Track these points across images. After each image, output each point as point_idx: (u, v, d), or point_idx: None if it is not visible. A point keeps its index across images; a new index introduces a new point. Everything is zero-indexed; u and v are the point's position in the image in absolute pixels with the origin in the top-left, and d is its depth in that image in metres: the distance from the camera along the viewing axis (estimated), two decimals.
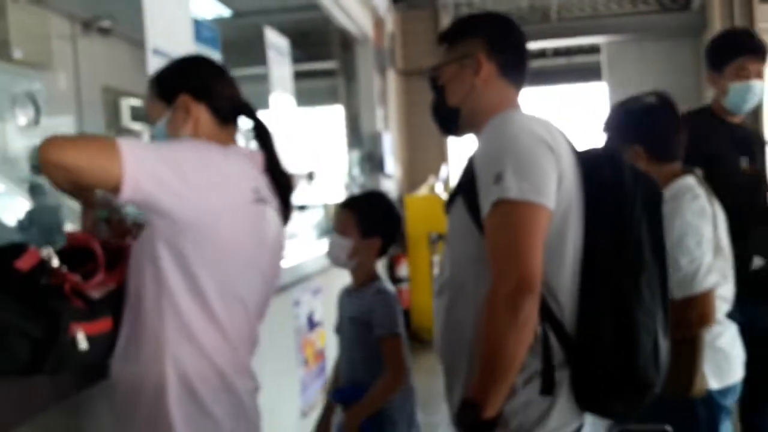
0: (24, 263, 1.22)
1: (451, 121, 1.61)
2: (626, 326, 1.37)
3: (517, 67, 1.58)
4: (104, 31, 5.13)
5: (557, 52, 8.06)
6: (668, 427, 1.43)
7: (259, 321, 1.55)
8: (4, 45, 4.05)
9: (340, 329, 2.29)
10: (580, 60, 8.10)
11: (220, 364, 1.39)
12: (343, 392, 2.21)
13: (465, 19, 1.69)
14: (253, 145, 1.60)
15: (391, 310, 2.13)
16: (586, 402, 1.41)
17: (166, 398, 1.33)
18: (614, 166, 1.47)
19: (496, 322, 1.28)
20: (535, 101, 8.23)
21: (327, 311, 3.58)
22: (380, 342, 2.10)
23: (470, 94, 1.54)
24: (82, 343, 1.27)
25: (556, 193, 1.36)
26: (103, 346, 1.34)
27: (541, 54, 7.96)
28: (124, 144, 1.24)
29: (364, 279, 2.23)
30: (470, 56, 1.54)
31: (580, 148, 1.52)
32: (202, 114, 1.47)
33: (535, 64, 7.92)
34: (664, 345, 1.42)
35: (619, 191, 1.43)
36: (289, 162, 1.61)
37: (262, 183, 1.49)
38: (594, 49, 7.75)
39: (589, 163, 1.47)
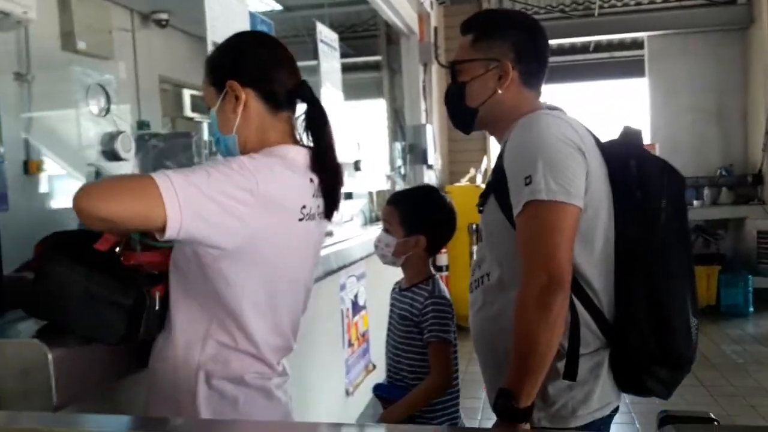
0: (102, 245, 1.29)
1: (466, 120, 1.63)
2: (660, 308, 1.44)
3: (538, 75, 1.60)
4: (161, 24, 5.33)
5: (599, 47, 8.03)
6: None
7: (295, 324, 1.52)
8: (68, 36, 4.28)
9: (390, 324, 2.23)
10: (623, 55, 8.04)
11: (246, 368, 1.37)
12: (384, 388, 2.20)
13: (493, 16, 1.68)
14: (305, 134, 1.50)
15: (444, 317, 2.07)
16: (625, 383, 1.50)
17: (197, 390, 1.33)
18: (640, 160, 1.52)
19: (528, 318, 1.32)
20: (575, 97, 8.20)
21: (371, 295, 3.71)
22: (429, 346, 2.06)
23: (491, 98, 1.57)
24: (158, 305, 1.35)
25: (586, 190, 1.41)
26: (165, 308, 1.38)
27: (584, 48, 7.94)
28: (163, 184, 1.15)
29: (417, 278, 2.17)
30: (497, 61, 1.55)
31: (606, 143, 1.57)
32: (251, 100, 1.40)
33: (577, 58, 7.93)
34: (694, 322, 1.50)
35: (645, 183, 1.49)
36: (341, 152, 1.53)
37: (309, 192, 1.42)
38: (636, 44, 7.70)
39: (615, 157, 1.52)
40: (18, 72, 3.74)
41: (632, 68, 7.74)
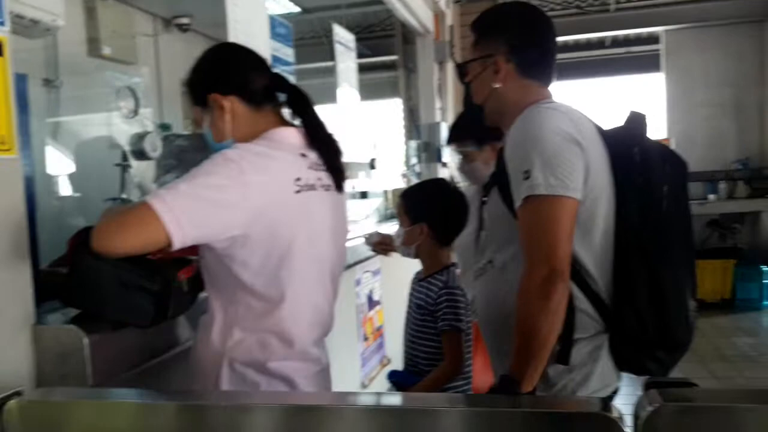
0: None
1: (478, 117, 1.70)
2: (658, 291, 1.48)
3: (541, 65, 1.62)
4: (183, 28, 5.45)
5: (615, 42, 8.02)
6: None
7: (327, 301, 1.59)
8: (94, 42, 4.43)
9: (408, 313, 2.34)
10: (639, 49, 8.03)
11: (269, 355, 1.44)
12: (399, 375, 2.30)
13: (490, 14, 1.71)
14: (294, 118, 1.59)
15: (457, 306, 2.17)
16: (623, 363, 1.55)
17: (221, 373, 1.43)
18: (642, 148, 1.54)
19: (529, 308, 1.38)
20: (592, 93, 8.21)
21: (386, 291, 3.80)
22: (442, 334, 2.17)
23: (491, 93, 1.62)
24: (185, 287, 1.49)
25: (584, 183, 1.45)
26: (196, 289, 1.53)
27: (600, 44, 7.95)
28: (159, 206, 1.25)
29: (433, 268, 2.27)
30: (490, 57, 1.61)
31: (609, 131, 1.59)
32: (235, 105, 1.49)
33: (593, 54, 7.95)
34: (692, 305, 1.54)
35: (647, 170, 1.52)
36: (332, 129, 1.60)
37: (303, 165, 1.48)
38: (652, 39, 7.69)
39: (618, 144, 1.55)
40: (47, 78, 3.90)
41: (649, 63, 7.72)
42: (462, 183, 2.80)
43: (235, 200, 1.33)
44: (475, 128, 2.67)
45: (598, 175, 1.50)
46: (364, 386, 3.41)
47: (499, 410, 0.96)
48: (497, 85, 1.60)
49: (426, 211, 2.25)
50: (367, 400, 1.26)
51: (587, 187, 1.46)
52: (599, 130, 1.59)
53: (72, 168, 3.55)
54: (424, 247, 2.27)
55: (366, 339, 3.55)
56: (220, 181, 1.32)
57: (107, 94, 3.40)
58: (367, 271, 3.58)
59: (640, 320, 1.48)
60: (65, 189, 3.45)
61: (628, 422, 0.84)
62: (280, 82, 1.56)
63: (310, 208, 1.48)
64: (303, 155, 1.50)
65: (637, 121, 1.59)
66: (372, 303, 3.67)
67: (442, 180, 2.57)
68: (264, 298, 1.42)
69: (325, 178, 1.55)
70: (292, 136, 1.51)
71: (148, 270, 1.42)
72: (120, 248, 1.27)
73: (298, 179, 1.45)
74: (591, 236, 1.50)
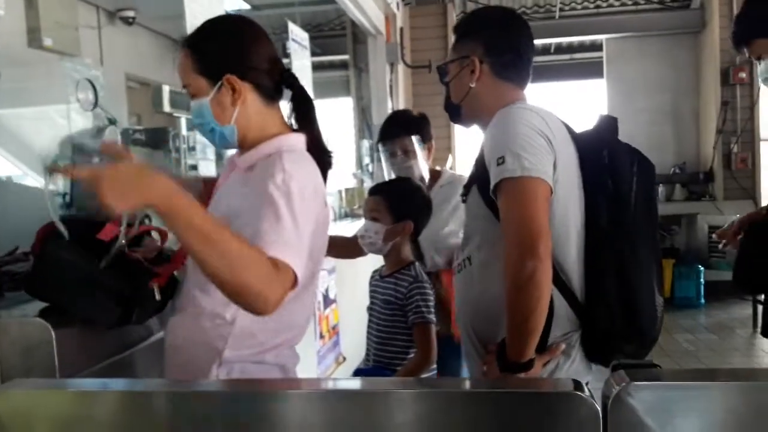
0: (105, 235, 1.33)
1: (455, 115, 1.75)
2: (628, 287, 1.54)
3: (516, 67, 1.67)
4: (128, 21, 5.32)
5: (559, 49, 8.23)
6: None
7: (315, 299, 1.63)
8: (34, 32, 4.26)
9: (371, 310, 2.36)
10: (582, 56, 8.27)
11: (267, 350, 1.44)
12: (368, 371, 2.31)
13: (470, 16, 1.80)
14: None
15: (427, 299, 2.22)
16: (594, 355, 1.59)
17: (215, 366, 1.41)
18: (612, 149, 1.60)
19: (517, 283, 1.43)
20: (537, 98, 8.39)
21: (340, 289, 3.80)
22: (414, 327, 2.20)
23: (468, 94, 1.67)
24: (157, 295, 1.43)
25: (555, 181, 1.50)
26: (166, 296, 1.47)
27: (545, 50, 8.14)
28: (294, 262, 1.22)
29: (399, 264, 2.30)
30: (467, 58, 1.66)
31: (581, 133, 1.65)
32: (248, 93, 1.42)
33: (538, 60, 8.12)
34: (659, 301, 1.62)
35: (616, 172, 1.58)
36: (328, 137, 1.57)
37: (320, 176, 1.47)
38: (595, 46, 7.93)
39: (588, 147, 1.61)
40: None
41: (591, 70, 7.98)
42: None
43: (315, 226, 1.35)
44: (415, 126, 2.77)
45: (569, 175, 1.56)
46: None
47: (475, 391, 1.01)
48: (472, 85, 1.65)
49: (411, 208, 2.30)
50: (349, 385, 1.24)
51: (558, 185, 1.51)
52: (570, 131, 1.65)
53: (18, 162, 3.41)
54: (396, 244, 2.29)
55: (322, 337, 3.53)
56: (304, 209, 1.29)
57: (61, 86, 3.27)
58: (323, 270, 3.56)
59: (611, 317, 1.54)
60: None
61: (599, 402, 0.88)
62: (292, 79, 1.49)
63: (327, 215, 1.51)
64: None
65: (606, 124, 1.66)
66: (327, 301, 3.66)
67: (410, 179, 2.56)
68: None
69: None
70: (302, 143, 1.47)
71: (122, 272, 1.37)
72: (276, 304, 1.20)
73: (325, 194, 1.47)
74: (567, 235, 1.55)
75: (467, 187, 1.70)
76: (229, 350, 1.40)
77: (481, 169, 1.59)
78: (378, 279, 2.37)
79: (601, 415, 0.85)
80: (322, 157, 1.48)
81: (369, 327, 2.37)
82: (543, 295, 1.44)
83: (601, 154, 1.59)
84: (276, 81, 1.46)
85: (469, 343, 1.69)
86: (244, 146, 1.46)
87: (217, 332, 1.40)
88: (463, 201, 1.73)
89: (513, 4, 7.41)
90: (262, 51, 1.44)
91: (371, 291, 2.40)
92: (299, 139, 1.47)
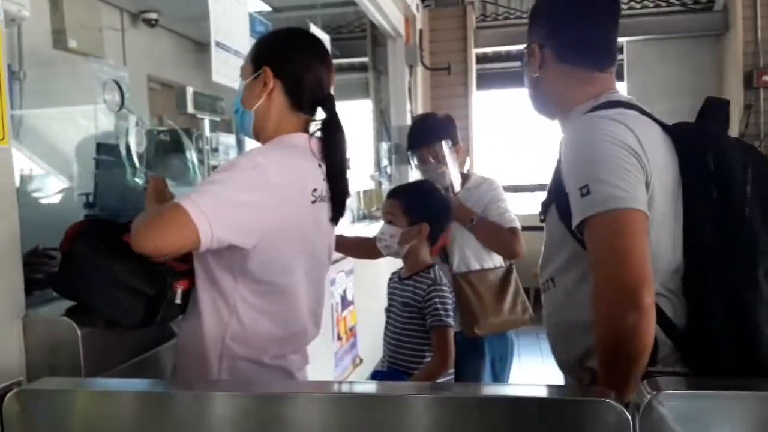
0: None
1: (533, 107, 1.60)
2: (744, 320, 1.28)
3: (581, 47, 1.47)
4: (151, 23, 5.37)
5: None
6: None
7: (320, 305, 1.62)
8: (59, 34, 4.31)
9: (389, 312, 2.36)
10: None
11: (265, 351, 1.47)
12: (385, 374, 2.31)
13: (537, 3, 1.62)
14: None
15: (446, 303, 2.21)
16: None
17: (219, 366, 1.43)
18: (718, 150, 1.33)
19: (618, 335, 1.22)
20: None
21: (358, 291, 3.80)
22: (432, 330, 2.19)
23: (537, 84, 1.54)
24: (179, 299, 1.46)
25: (649, 201, 1.29)
26: (186, 300, 1.49)
27: None
28: (192, 210, 1.26)
29: (418, 266, 2.29)
30: (529, 47, 1.53)
31: (678, 131, 1.40)
32: (277, 91, 1.50)
33: None
34: None
35: (723, 178, 1.32)
36: (352, 165, 1.63)
37: (320, 176, 1.51)
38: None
39: (689, 149, 1.36)
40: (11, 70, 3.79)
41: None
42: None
43: (260, 202, 1.36)
44: (445, 130, 2.75)
45: (663, 190, 1.32)
46: None
47: (513, 396, 1.00)
48: (535, 74, 1.52)
49: (427, 211, 2.30)
50: (366, 389, 1.24)
51: (651, 201, 1.30)
52: (665, 128, 1.41)
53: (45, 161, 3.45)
54: (414, 247, 2.29)
55: (339, 338, 3.54)
56: (246, 184, 1.34)
57: (88, 87, 3.32)
58: (341, 271, 3.58)
59: (723, 351, 1.29)
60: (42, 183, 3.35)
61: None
62: (329, 104, 1.55)
63: (320, 218, 1.53)
64: (320, 165, 1.52)
65: (714, 113, 1.40)
66: (345, 303, 3.67)
67: (429, 182, 2.58)
68: (265, 302, 1.44)
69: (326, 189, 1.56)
70: (313, 144, 1.52)
71: (148, 273, 1.41)
72: (160, 249, 1.28)
73: (315, 190, 1.48)
74: (659, 257, 1.32)
75: (545, 205, 1.50)
76: (231, 350, 1.42)
77: (560, 186, 1.37)
78: (397, 281, 2.38)
79: (631, 424, 0.84)
80: (335, 189, 1.54)
81: (386, 329, 2.38)
82: (647, 345, 1.24)
83: (705, 156, 1.33)
84: (313, 99, 1.54)
85: (565, 370, 1.56)
86: (259, 140, 1.55)
87: (219, 333, 1.42)
88: (541, 221, 1.52)
89: (530, 6, 7.37)
90: (309, 66, 1.53)
91: (390, 293, 2.41)
92: (302, 138, 1.52)
